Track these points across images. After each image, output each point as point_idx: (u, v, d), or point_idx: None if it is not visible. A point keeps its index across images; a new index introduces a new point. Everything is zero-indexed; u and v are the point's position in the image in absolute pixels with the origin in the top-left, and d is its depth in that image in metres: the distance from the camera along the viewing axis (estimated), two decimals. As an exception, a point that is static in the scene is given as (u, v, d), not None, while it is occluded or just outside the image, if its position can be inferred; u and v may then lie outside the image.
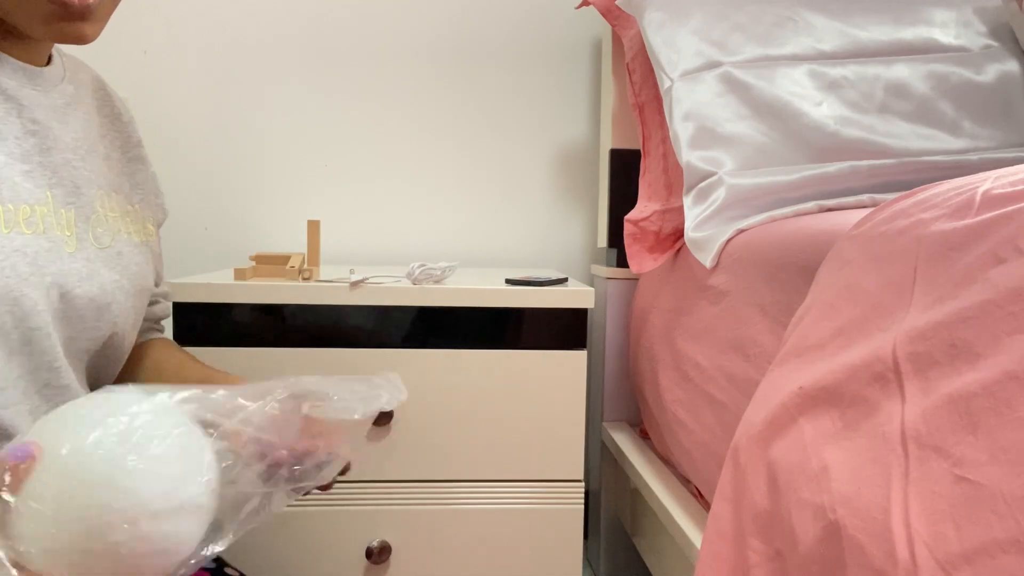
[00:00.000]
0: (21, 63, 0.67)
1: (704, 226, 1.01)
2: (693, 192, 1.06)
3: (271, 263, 1.14)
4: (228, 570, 0.84)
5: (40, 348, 0.63)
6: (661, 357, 1.11)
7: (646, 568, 1.28)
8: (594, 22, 1.54)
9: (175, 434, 0.51)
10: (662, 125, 1.24)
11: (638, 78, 1.28)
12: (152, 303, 0.87)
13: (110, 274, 0.71)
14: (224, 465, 0.53)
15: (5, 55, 0.66)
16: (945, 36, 1.19)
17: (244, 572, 0.86)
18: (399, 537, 1.07)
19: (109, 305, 0.70)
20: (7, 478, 0.45)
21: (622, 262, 1.30)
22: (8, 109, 0.65)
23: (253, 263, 1.13)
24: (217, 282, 1.05)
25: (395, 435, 1.06)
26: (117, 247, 0.73)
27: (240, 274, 1.08)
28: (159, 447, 0.50)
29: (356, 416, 0.56)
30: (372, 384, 0.60)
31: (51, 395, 0.65)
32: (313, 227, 1.12)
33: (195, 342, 1.03)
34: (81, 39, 0.65)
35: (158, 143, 1.47)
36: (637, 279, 1.33)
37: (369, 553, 1.06)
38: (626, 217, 1.20)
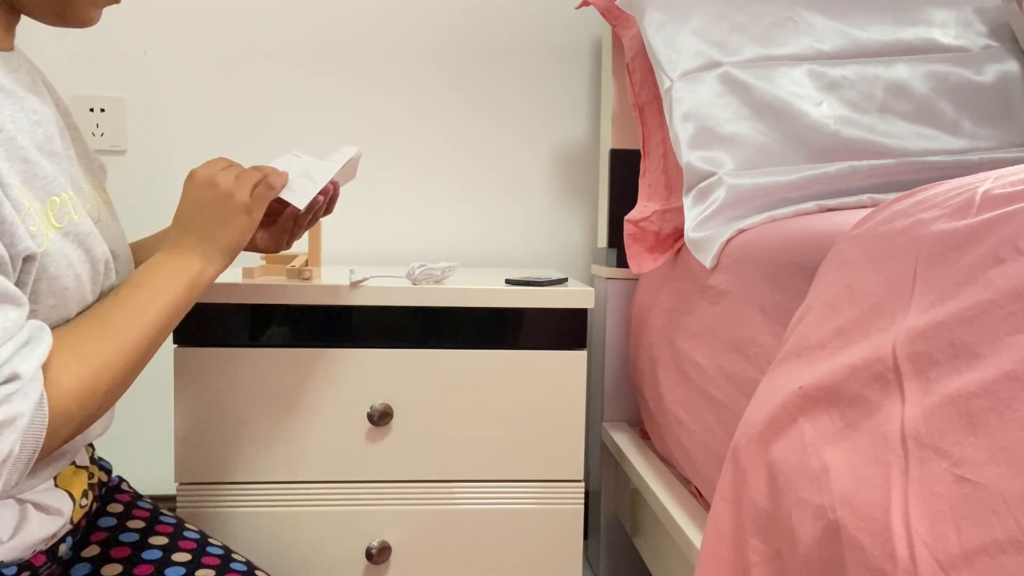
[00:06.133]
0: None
1: (704, 226, 1.01)
2: (693, 192, 1.06)
3: (282, 262, 1.15)
4: (235, 554, 0.84)
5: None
6: (661, 357, 1.11)
7: (646, 568, 1.28)
8: (594, 22, 1.54)
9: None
10: (662, 125, 1.24)
11: (638, 78, 1.28)
12: None
13: (103, 248, 0.71)
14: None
15: None
16: (945, 36, 1.19)
17: (251, 561, 0.86)
18: (399, 537, 1.07)
19: (117, 272, 0.75)
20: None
21: (622, 262, 1.30)
22: (12, 105, 0.62)
23: (264, 262, 1.14)
24: (215, 282, 1.05)
25: (395, 435, 1.06)
26: (97, 216, 0.72)
27: (248, 273, 1.09)
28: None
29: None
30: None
31: None
32: (314, 227, 1.12)
33: (195, 342, 1.03)
34: (94, 21, 0.70)
35: (158, 143, 1.47)
36: (637, 279, 1.33)
37: (369, 553, 1.06)
38: (626, 217, 1.20)
